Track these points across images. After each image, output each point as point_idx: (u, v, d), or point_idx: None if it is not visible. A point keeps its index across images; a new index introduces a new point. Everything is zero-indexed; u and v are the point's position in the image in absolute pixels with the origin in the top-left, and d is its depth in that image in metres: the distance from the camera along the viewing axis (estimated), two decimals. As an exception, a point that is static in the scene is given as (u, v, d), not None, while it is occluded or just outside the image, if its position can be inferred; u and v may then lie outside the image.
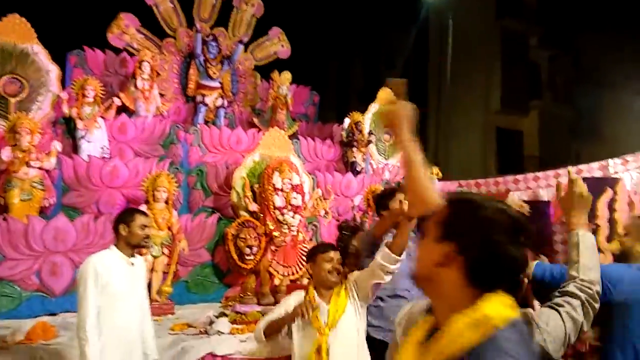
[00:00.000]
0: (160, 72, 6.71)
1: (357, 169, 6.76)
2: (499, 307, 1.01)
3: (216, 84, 6.65)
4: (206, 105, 6.58)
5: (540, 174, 7.08)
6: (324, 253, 2.60)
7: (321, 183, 5.93)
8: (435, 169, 7.02)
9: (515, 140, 15.56)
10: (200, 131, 5.88)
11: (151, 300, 4.17)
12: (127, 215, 2.74)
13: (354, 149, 6.88)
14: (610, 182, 3.75)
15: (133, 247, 2.71)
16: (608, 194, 3.15)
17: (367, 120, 7.29)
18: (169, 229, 4.48)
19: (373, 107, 7.52)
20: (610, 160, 6.49)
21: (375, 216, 3.73)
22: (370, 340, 2.76)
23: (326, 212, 5.46)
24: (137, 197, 4.82)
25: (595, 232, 4.24)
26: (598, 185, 3.69)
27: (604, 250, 3.34)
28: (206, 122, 6.47)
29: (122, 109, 5.89)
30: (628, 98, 13.45)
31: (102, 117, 5.39)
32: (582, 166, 6.77)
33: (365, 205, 5.95)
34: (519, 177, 7.20)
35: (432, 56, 16.31)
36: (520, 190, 7.08)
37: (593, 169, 6.54)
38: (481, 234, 1.06)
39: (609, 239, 3.34)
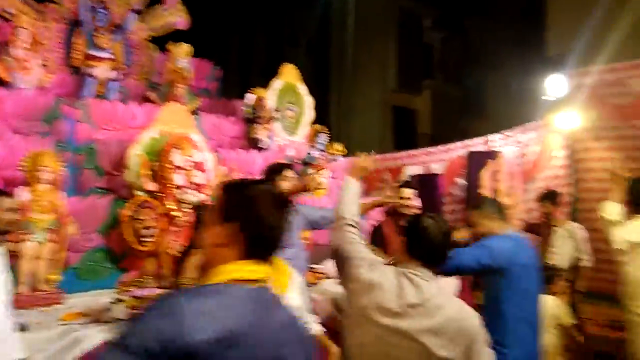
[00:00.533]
0: (42, 40, 6.03)
1: (261, 146, 6.69)
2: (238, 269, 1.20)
3: (106, 55, 6.13)
4: (95, 77, 6.04)
5: (432, 149, 7.59)
6: None
7: (225, 160, 5.79)
8: (340, 146, 7.17)
9: (410, 118, 16.41)
10: (89, 106, 5.40)
11: (38, 289, 3.85)
12: None
13: (258, 126, 6.79)
14: (492, 155, 4.10)
15: None
16: (491, 165, 3.45)
17: (270, 96, 7.22)
18: (55, 212, 4.10)
19: (276, 83, 7.45)
20: (492, 136, 7.13)
21: None
22: None
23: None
24: (17, 179, 4.34)
25: (462, 200, 4.66)
26: (482, 159, 4.01)
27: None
28: (97, 96, 5.97)
29: (-2, 82, 5.24)
30: (508, 78, 14.74)
31: (-31, 89, 4.74)
32: (468, 141, 7.36)
33: (270, 182, 5.92)
34: (413, 152, 7.66)
35: (334, 36, 16.52)
36: (414, 165, 7.53)
37: (478, 144, 7.13)
38: (254, 211, 1.25)
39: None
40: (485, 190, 3.56)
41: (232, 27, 18.50)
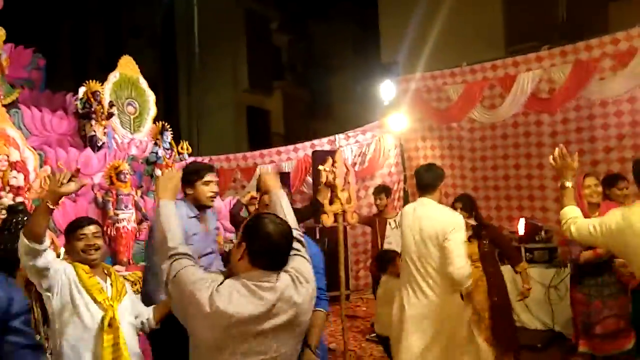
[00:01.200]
0: None
1: (98, 144, 6.14)
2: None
3: None
4: None
5: (282, 148, 7.78)
6: (76, 230, 2.36)
7: (51, 160, 5.18)
8: (185, 144, 6.91)
9: (263, 119, 16.57)
10: None
11: None
12: None
13: (93, 122, 6.22)
14: (331, 153, 4.35)
15: None
16: (329, 162, 3.68)
17: (107, 90, 6.67)
18: None
19: (113, 77, 6.90)
20: (336, 136, 7.57)
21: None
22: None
23: (57, 193, 4.79)
24: None
25: (311, 197, 4.95)
26: (323, 156, 4.24)
27: (327, 212, 3.89)
28: None
29: None
30: (349, 82, 15.78)
31: None
32: (315, 141, 7.71)
33: (108, 182, 5.46)
34: (264, 151, 7.77)
35: (179, 30, 15.90)
36: (265, 164, 7.64)
37: (324, 143, 7.52)
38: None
39: (331, 202, 3.91)
40: (323, 186, 3.76)
41: (63, 12, 16.64)
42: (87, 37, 17.92)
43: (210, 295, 1.58)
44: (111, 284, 2.36)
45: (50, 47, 12.04)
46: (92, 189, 5.43)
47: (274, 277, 1.66)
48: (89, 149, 5.90)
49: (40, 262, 2.15)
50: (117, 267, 4.98)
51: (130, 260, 5.31)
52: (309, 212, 3.88)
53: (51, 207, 2.11)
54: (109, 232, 5.25)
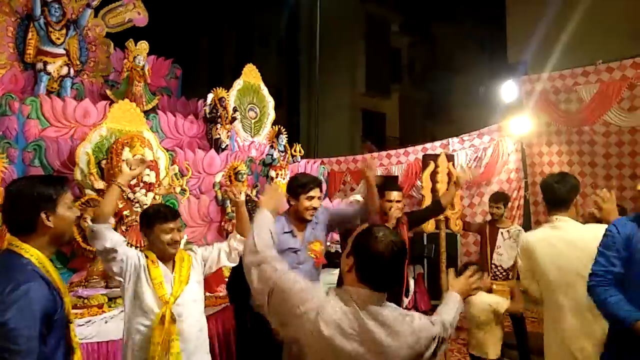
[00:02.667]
0: (-9, 34, 5.88)
1: (222, 147, 6.66)
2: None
3: (60, 51, 6.01)
4: (49, 73, 5.92)
5: (392, 151, 7.72)
6: (162, 223, 2.42)
7: (181, 160, 5.74)
8: (298, 147, 7.20)
9: (379, 122, 16.59)
10: (39, 102, 5.28)
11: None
12: None
13: (218, 126, 6.76)
14: (433, 157, 4.19)
15: None
16: (431, 167, 3.54)
17: (231, 96, 7.20)
18: (-2, 210, 3.99)
19: (238, 84, 7.44)
20: (450, 139, 7.29)
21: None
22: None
23: (183, 190, 5.31)
24: (-41, 175, 4.22)
25: (421, 202, 4.79)
26: (425, 161, 4.10)
27: (428, 218, 3.77)
28: (50, 93, 5.84)
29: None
30: (473, 83, 15.06)
31: None
32: (427, 145, 7.51)
33: (227, 182, 5.90)
34: (374, 154, 7.78)
35: (303, 38, 16.57)
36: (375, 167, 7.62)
37: (436, 147, 7.28)
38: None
39: (432, 208, 3.78)
40: (426, 191, 3.62)
41: (202, 26, 18.35)
42: (221, 48, 19.53)
43: (316, 315, 1.51)
44: (174, 276, 2.42)
45: (186, 58, 13.32)
46: (214, 187, 5.91)
47: (384, 308, 1.56)
48: (213, 151, 6.42)
49: (108, 243, 2.30)
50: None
51: (244, 255, 5.67)
52: (428, 212, 3.73)
53: (123, 188, 2.36)
54: (226, 227, 5.68)
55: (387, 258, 1.53)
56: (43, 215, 1.64)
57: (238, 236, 2.70)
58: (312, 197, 2.81)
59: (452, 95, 16.70)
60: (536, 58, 8.65)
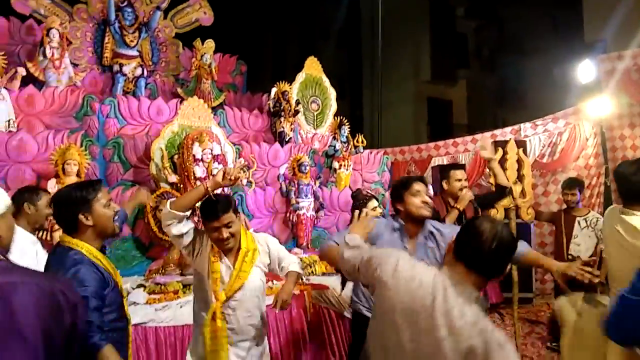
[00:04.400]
0: (73, 40, 6.35)
1: (286, 139, 6.78)
2: None
3: (134, 53, 6.39)
4: (124, 75, 6.32)
5: (459, 139, 7.47)
6: (207, 222, 2.35)
7: (246, 153, 5.91)
8: (360, 138, 7.16)
9: (445, 110, 16.11)
10: (117, 102, 5.64)
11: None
12: (32, 193, 2.76)
13: (282, 119, 6.87)
14: (502, 144, 3.99)
15: (35, 226, 2.73)
16: (499, 153, 3.38)
17: (294, 89, 7.29)
18: (83, 203, 4.32)
19: (300, 77, 7.52)
20: (522, 125, 6.95)
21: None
22: (359, 316, 2.77)
23: (249, 182, 5.46)
24: (48, 172, 4.60)
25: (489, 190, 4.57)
26: (496, 148, 3.93)
27: (496, 206, 3.61)
28: (126, 93, 6.22)
29: (31, 80, 5.56)
30: (547, 66, 14.19)
31: (6, 89, 5.05)
32: (497, 131, 7.20)
33: (291, 173, 6.00)
34: (440, 143, 7.56)
35: (364, 28, 16.41)
36: (440, 156, 7.43)
37: (506, 133, 6.97)
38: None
39: (501, 195, 3.61)
40: (493, 179, 3.45)
41: (265, 21, 18.69)
42: (284, 43, 19.78)
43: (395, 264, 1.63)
44: (232, 272, 2.38)
45: (251, 54, 13.63)
46: (278, 179, 6.03)
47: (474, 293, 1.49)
48: (277, 144, 6.55)
49: (177, 229, 2.33)
50: (295, 249, 5.46)
51: (309, 245, 5.76)
52: (492, 198, 3.55)
53: (210, 192, 2.31)
54: (290, 218, 5.79)
55: (489, 242, 1.48)
56: (81, 216, 1.94)
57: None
58: (417, 192, 2.50)
59: (524, 78, 15.83)
60: (616, 36, 8.01)
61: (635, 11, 7.62)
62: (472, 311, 1.43)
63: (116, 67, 6.27)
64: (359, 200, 3.46)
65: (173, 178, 4.79)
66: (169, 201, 2.34)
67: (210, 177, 4.76)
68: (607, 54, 6.77)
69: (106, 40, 6.50)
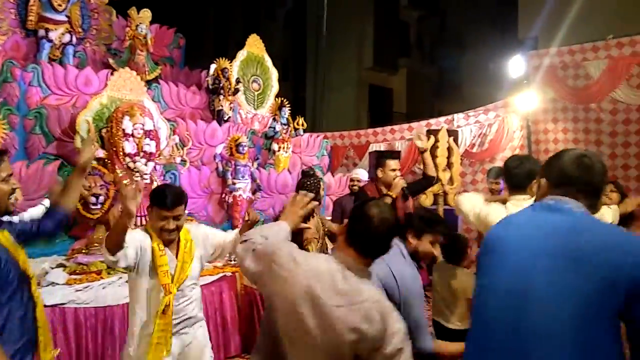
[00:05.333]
0: (-8, 0, 5.82)
1: (224, 118, 6.63)
2: None
3: (62, 18, 5.94)
4: (51, 41, 5.86)
5: (396, 127, 7.65)
6: (159, 209, 2.31)
7: (182, 130, 5.72)
8: (301, 120, 7.14)
9: (386, 97, 16.40)
10: (41, 69, 5.25)
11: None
12: None
13: (221, 97, 6.71)
14: (434, 132, 4.13)
15: None
16: (431, 141, 3.51)
17: (235, 67, 7.12)
18: (-2, 176, 4.02)
19: (241, 55, 7.35)
20: (455, 115, 7.22)
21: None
22: None
23: (183, 160, 5.31)
24: (-41, 141, 4.23)
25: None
26: (427, 136, 4.06)
27: (426, 192, 3.73)
28: (52, 60, 5.80)
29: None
30: (483, 59, 14.80)
31: None
32: (432, 120, 7.44)
33: (228, 154, 5.89)
34: (378, 129, 7.71)
35: (310, 11, 16.29)
36: (378, 142, 7.59)
37: (440, 123, 7.21)
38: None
39: (432, 181, 3.74)
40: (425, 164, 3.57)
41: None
42: (227, 19, 19.27)
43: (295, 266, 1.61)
44: (177, 264, 2.36)
45: (191, 27, 13.14)
46: (215, 159, 5.90)
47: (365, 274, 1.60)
48: (215, 122, 6.39)
49: (126, 261, 2.23)
50: (230, 231, 5.39)
51: (244, 227, 5.70)
52: (421, 185, 3.66)
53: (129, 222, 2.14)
54: (226, 199, 5.70)
55: (375, 221, 1.58)
56: None
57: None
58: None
59: (461, 70, 16.44)
60: (546, 33, 8.47)
61: (564, 9, 8.07)
62: (369, 287, 1.56)
63: (42, 32, 5.81)
64: (309, 179, 3.43)
65: (100, 153, 4.56)
66: (104, 248, 2.19)
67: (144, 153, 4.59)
68: (536, 50, 7.16)
69: (31, 2, 5.99)
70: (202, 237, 2.55)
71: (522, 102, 6.70)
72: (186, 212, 2.44)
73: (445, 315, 3.13)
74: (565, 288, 1.27)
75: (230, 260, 4.33)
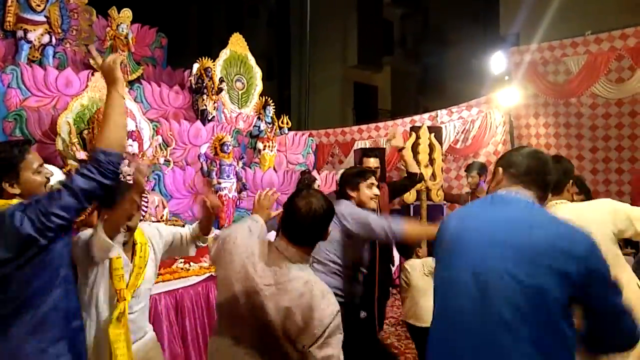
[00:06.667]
0: (-33, 0, 5.71)
1: (208, 118, 6.59)
2: None
3: (41, 18, 5.85)
4: (30, 42, 5.77)
5: (381, 124, 7.69)
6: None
7: (165, 131, 5.68)
8: (285, 119, 7.13)
9: (371, 95, 16.44)
10: (20, 71, 5.17)
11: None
12: None
13: (204, 97, 6.68)
14: (415, 129, 4.16)
15: None
16: (412, 138, 3.53)
17: (218, 66, 7.09)
18: (-23, 180, 3.96)
19: (224, 54, 7.32)
20: (438, 111, 7.28)
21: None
22: None
23: (167, 160, 5.27)
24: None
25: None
26: (410, 133, 4.09)
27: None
28: (32, 62, 5.71)
29: None
30: (466, 56, 14.92)
31: None
32: (416, 117, 7.49)
33: (213, 153, 5.86)
34: (363, 127, 7.74)
35: (293, 9, 16.26)
36: (363, 140, 7.61)
37: (424, 119, 7.27)
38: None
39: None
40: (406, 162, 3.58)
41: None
42: (209, 17, 19.13)
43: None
44: (133, 266, 2.17)
45: (173, 27, 13.01)
46: (199, 159, 5.87)
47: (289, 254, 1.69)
48: (199, 122, 6.35)
49: (113, 253, 2.05)
50: (216, 231, 5.37)
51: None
52: (405, 184, 3.67)
53: (139, 202, 2.07)
54: (211, 199, 5.67)
55: (301, 211, 1.68)
56: (5, 184, 1.67)
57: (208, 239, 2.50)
58: (372, 185, 2.73)
59: (445, 67, 16.55)
60: (527, 30, 8.58)
61: (545, 6, 8.18)
62: (299, 270, 1.65)
63: (20, 33, 5.72)
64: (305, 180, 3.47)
65: (82, 155, 4.50)
66: (100, 231, 1.98)
67: (126, 154, 4.54)
68: (518, 46, 7.24)
69: (9, 3, 5.88)
70: (154, 234, 2.38)
71: (504, 98, 6.78)
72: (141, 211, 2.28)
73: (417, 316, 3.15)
74: (516, 278, 1.31)
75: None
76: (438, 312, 1.54)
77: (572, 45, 6.12)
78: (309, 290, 1.58)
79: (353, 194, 2.70)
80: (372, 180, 2.73)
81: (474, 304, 1.37)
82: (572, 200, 2.47)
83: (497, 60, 7.09)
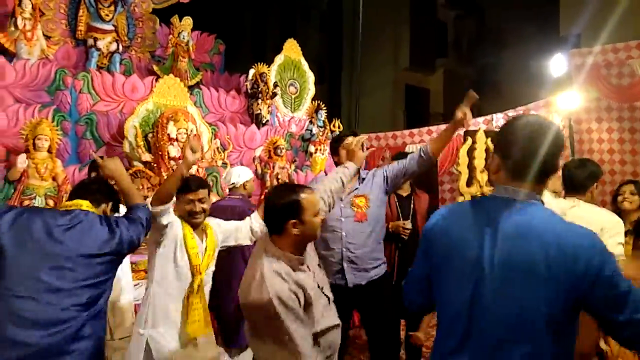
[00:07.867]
0: (45, 11, 6.16)
1: (262, 122, 6.78)
2: None
3: (109, 27, 6.23)
4: (99, 49, 6.16)
5: (433, 127, 7.61)
6: (182, 193, 2.41)
7: (222, 134, 5.90)
8: (337, 123, 7.21)
9: (423, 98, 16.25)
10: (90, 77, 5.54)
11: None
12: None
13: (259, 101, 6.87)
14: (471, 133, 4.10)
15: None
16: (468, 143, 3.48)
17: (272, 71, 7.26)
18: (54, 179, 4.28)
19: (278, 59, 7.49)
20: (494, 115, 7.11)
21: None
22: None
23: (224, 163, 5.47)
24: (18, 147, 4.52)
25: (458, 178, 4.71)
26: (464, 137, 4.04)
27: (463, 193, 3.72)
28: (100, 68, 6.10)
29: (2, 52, 5.39)
30: (523, 58, 14.45)
31: (-26, 59, 4.91)
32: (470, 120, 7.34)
33: (266, 156, 6.03)
34: (414, 130, 7.68)
35: (345, 12, 16.34)
36: (415, 143, 7.55)
37: (479, 123, 7.13)
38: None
39: (468, 184, 3.72)
40: (462, 167, 3.55)
41: (246, 1, 18.40)
42: (263, 23, 19.54)
43: None
44: (206, 247, 2.46)
45: (230, 33, 13.37)
46: (254, 161, 6.05)
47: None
48: (254, 126, 6.54)
49: (167, 218, 2.30)
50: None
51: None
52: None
53: (187, 174, 2.34)
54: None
55: (269, 205, 1.88)
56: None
57: (260, 218, 2.68)
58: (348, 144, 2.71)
59: (501, 70, 16.08)
60: (589, 31, 8.23)
61: (608, 7, 7.82)
62: (262, 258, 1.81)
63: (90, 41, 6.12)
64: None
65: (147, 157, 4.77)
66: (148, 202, 2.26)
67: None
68: (579, 48, 6.97)
69: (80, 13, 6.32)
70: (216, 226, 2.62)
71: (564, 102, 6.53)
72: (212, 198, 2.57)
73: None
74: (515, 296, 1.24)
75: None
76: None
77: (638, 47, 5.82)
78: (260, 278, 1.82)
79: (336, 158, 2.93)
80: (348, 140, 2.82)
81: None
82: (592, 202, 2.52)
83: (557, 62, 6.85)
